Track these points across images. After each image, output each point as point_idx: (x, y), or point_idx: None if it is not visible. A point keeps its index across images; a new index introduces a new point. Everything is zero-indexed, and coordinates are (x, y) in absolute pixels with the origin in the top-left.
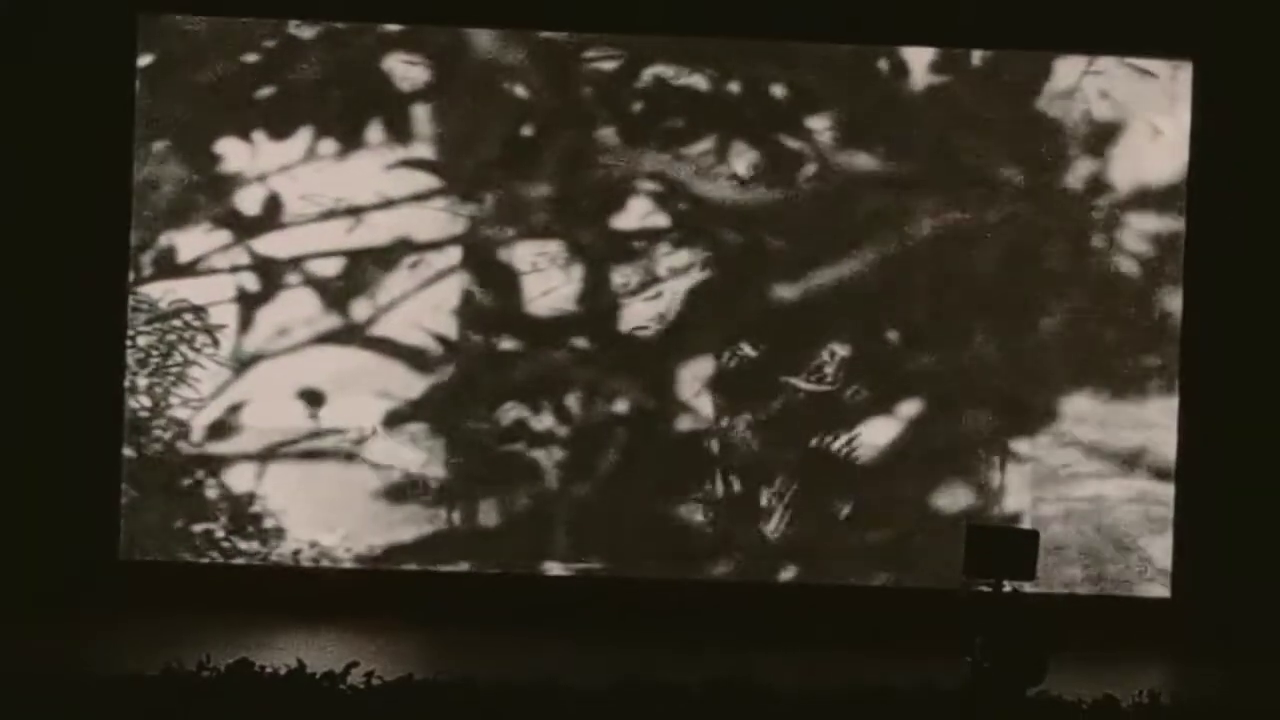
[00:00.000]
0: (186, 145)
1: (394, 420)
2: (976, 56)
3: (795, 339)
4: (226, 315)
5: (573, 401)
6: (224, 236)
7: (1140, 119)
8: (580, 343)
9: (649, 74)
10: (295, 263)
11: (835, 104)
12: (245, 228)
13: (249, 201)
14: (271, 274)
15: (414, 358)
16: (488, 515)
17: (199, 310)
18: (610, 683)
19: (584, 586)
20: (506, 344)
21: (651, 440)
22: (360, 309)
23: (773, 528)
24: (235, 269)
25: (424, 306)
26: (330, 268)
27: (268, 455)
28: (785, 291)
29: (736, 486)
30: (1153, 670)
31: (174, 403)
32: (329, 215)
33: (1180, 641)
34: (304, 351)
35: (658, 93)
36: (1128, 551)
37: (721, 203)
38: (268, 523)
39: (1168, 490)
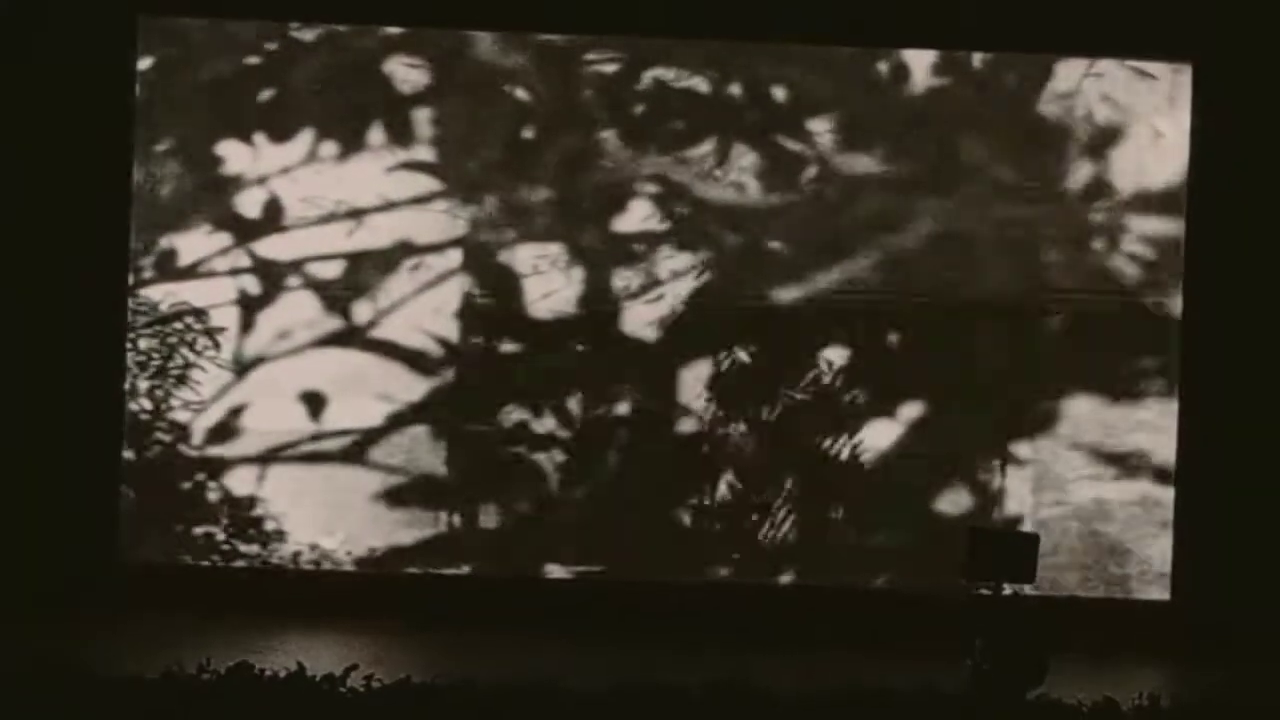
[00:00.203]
0: (187, 147)
1: (395, 423)
2: (977, 59)
3: (796, 341)
4: (227, 318)
5: (574, 404)
6: (224, 239)
7: (1141, 121)
8: (581, 345)
9: (649, 76)
10: (296, 265)
11: (836, 106)
12: (246, 230)
13: (249, 204)
14: (272, 277)
15: (415, 360)
16: (488, 518)
17: (200, 313)
18: (610, 685)
19: (584, 589)
20: (507, 346)
21: (652, 443)
22: (361, 311)
23: (773, 530)
24: (236, 272)
25: (425, 309)
26: (331, 270)
27: (268, 458)
28: (786, 294)
29: (737, 489)
30: (1153, 673)
31: (175, 405)
32: (330, 218)
33: (1180, 644)
34: (305, 354)
35: (658, 95)
36: (1128, 554)
37: (722, 205)
38: (268, 525)
39: (1168, 493)
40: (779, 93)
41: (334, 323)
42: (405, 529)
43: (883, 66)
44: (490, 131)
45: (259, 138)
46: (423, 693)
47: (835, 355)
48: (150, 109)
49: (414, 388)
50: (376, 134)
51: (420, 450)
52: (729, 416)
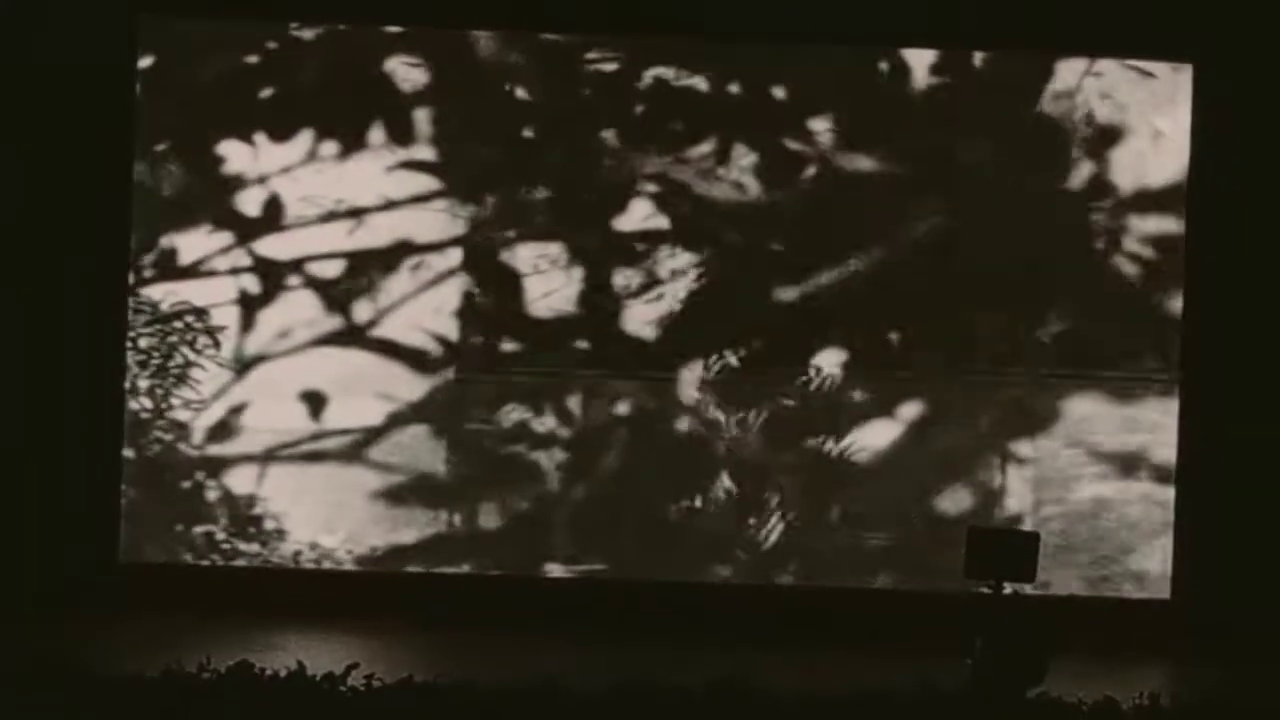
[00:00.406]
0: (187, 147)
1: (395, 422)
2: (978, 58)
3: (797, 340)
4: (227, 317)
5: (574, 403)
6: (225, 238)
7: (1141, 120)
8: (581, 344)
9: (650, 75)
10: (296, 264)
11: (836, 105)
12: (246, 229)
13: (250, 203)
14: (272, 276)
15: (415, 359)
16: (488, 517)
17: (200, 312)
18: (610, 684)
19: (584, 588)
20: (508, 345)
21: (652, 442)
22: (361, 311)
23: (773, 530)
24: (236, 271)
25: (425, 308)
26: (331, 269)
27: (269, 457)
28: (786, 293)
29: (737, 488)
30: (1153, 672)
31: (175, 404)
32: (330, 217)
33: (1180, 643)
34: (305, 353)
35: (659, 94)
36: (1128, 553)
37: (723, 204)
38: (268, 524)
39: (1168, 492)
40: (779, 92)
41: (334, 322)
42: (405, 528)
43: (883, 65)
44: (491, 130)
45: (259, 137)
46: (423, 692)
47: (835, 354)
48: (151, 108)
49: (414, 387)
50: (377, 133)
51: (420, 449)
52: (729, 415)
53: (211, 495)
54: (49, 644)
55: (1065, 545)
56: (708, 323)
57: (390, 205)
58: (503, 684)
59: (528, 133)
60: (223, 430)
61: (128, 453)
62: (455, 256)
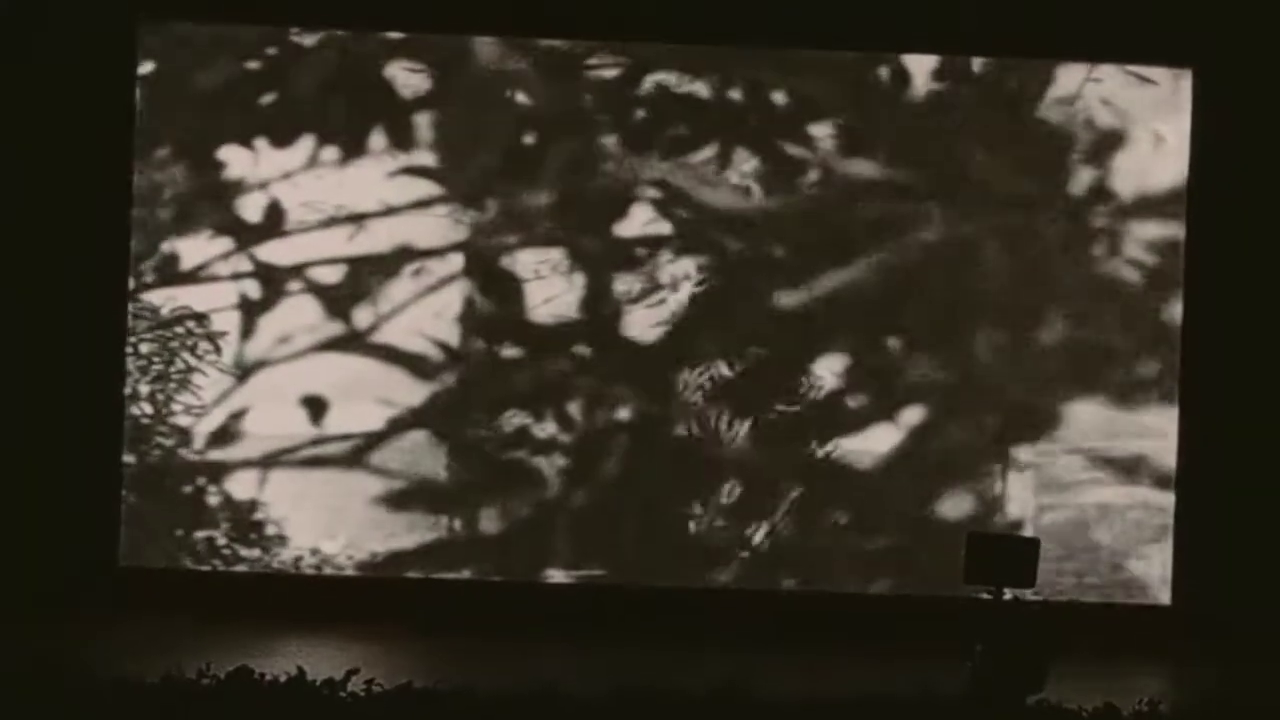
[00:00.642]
0: (188, 152)
1: (396, 427)
2: (978, 64)
3: (798, 346)
4: (228, 322)
5: (574, 409)
6: (226, 243)
7: (1141, 126)
8: (582, 350)
9: (651, 81)
10: (297, 270)
11: (837, 111)
12: (247, 235)
13: (251, 209)
14: (273, 281)
15: (416, 365)
16: (489, 523)
17: (201, 317)
18: (611, 690)
19: (585, 594)
20: (509, 351)
21: (653, 448)
22: (362, 316)
23: (774, 535)
24: (237, 276)
25: (426, 314)
26: (332, 275)
27: (269, 462)
28: (787, 299)
29: (738, 494)
30: (1153, 678)
31: (176, 409)
32: (331, 222)
33: (1181, 648)
34: (306, 359)
35: (660, 100)
36: (1128, 559)
37: (723, 210)
38: (269, 530)
39: (1168, 498)
40: (780, 97)
41: (335, 327)
42: (406, 533)
43: (884, 71)
44: (491, 136)
45: (260, 142)
46: (423, 697)
47: (836, 359)
48: (151, 114)
49: (415, 392)
50: (378, 139)
51: (421, 455)
52: (730, 421)
53: (212, 500)
54: (49, 648)
55: (1065, 551)
56: (709, 328)
57: (391, 211)
58: (503, 689)
59: (528, 138)
60: (223, 435)
61: (128, 458)
62: (456, 262)
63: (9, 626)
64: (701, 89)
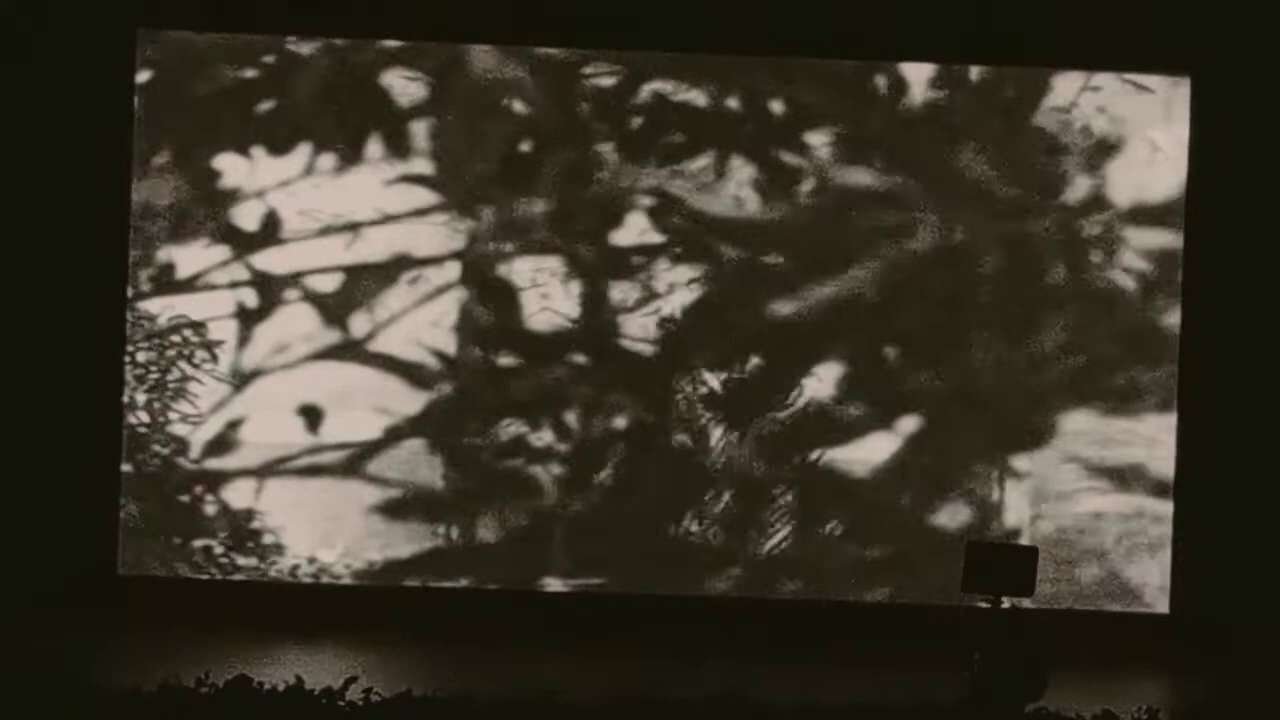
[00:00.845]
0: (185, 161)
1: (393, 436)
2: (975, 72)
3: (794, 354)
4: (225, 331)
5: (571, 417)
6: (223, 252)
7: (1138, 134)
8: (579, 358)
9: (647, 90)
10: (294, 278)
11: (834, 120)
12: (244, 243)
13: (248, 217)
14: (270, 290)
15: (413, 373)
16: (486, 531)
17: (198, 326)
18: (609, 698)
19: (583, 602)
20: (506, 360)
21: (650, 456)
22: (359, 324)
23: (772, 543)
24: (234, 284)
25: (423, 322)
26: (329, 283)
27: (266, 471)
28: (784, 307)
29: (735, 502)
30: (1151, 686)
31: (173, 418)
32: (328, 231)
33: (1179, 657)
34: (303, 367)
35: (656, 108)
36: (1126, 567)
37: (720, 218)
38: (266, 538)
39: (1166, 506)
40: (777, 106)
41: (332, 336)
42: (403, 542)
43: (880, 80)
44: (488, 145)
45: (257, 151)
46: (422, 706)
47: (833, 368)
48: (149, 122)
49: (412, 401)
50: (375, 147)
51: (418, 463)
52: (727, 429)
53: (210, 509)
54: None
55: (1064, 559)
56: (706, 336)
57: (388, 219)
58: (501, 698)
59: (525, 147)
60: (221, 444)
61: (126, 466)
62: (453, 270)
63: (7, 634)
64: (698, 97)
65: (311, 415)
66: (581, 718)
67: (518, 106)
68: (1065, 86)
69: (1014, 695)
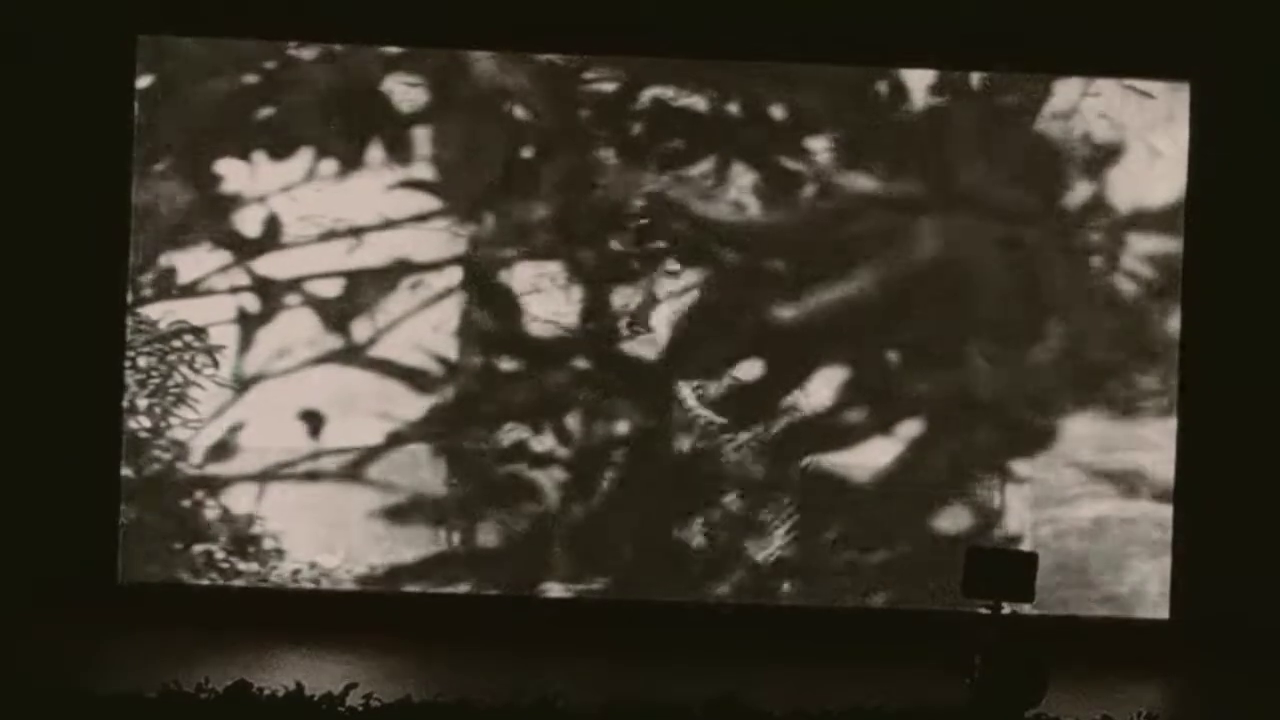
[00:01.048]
0: (186, 166)
1: (394, 441)
2: (976, 79)
3: (795, 359)
4: (226, 336)
5: (573, 422)
6: (224, 257)
7: (1139, 140)
8: (580, 363)
9: (648, 95)
10: (295, 283)
11: (834, 125)
12: (245, 248)
13: (249, 222)
14: (271, 295)
15: (414, 378)
16: (487, 536)
17: (199, 331)
18: (608, 703)
19: (584, 608)
20: (507, 364)
21: (651, 461)
22: (360, 329)
23: (772, 549)
24: (235, 290)
25: (424, 327)
26: (330, 288)
27: (267, 476)
28: (785, 312)
29: (736, 507)
30: (1151, 691)
31: (174, 423)
32: (329, 236)
33: (1178, 662)
34: (304, 372)
35: (657, 114)
36: (1126, 572)
37: (721, 224)
38: (267, 544)
39: (1166, 511)
40: (777, 112)
41: (333, 341)
42: (404, 547)
43: (881, 86)
44: (489, 150)
45: (258, 156)
46: (422, 711)
47: (835, 373)
48: (150, 127)
49: (413, 406)
50: (376, 152)
51: (419, 468)
52: (728, 435)
53: (210, 514)
54: (47, 662)
55: (1064, 564)
56: (706, 341)
57: (389, 224)
58: (501, 703)
59: (526, 152)
60: (221, 449)
61: (126, 471)
62: (454, 275)
63: (8, 638)
64: (699, 103)
65: (313, 420)
66: None
67: (519, 112)
68: (1066, 92)
69: (1014, 700)
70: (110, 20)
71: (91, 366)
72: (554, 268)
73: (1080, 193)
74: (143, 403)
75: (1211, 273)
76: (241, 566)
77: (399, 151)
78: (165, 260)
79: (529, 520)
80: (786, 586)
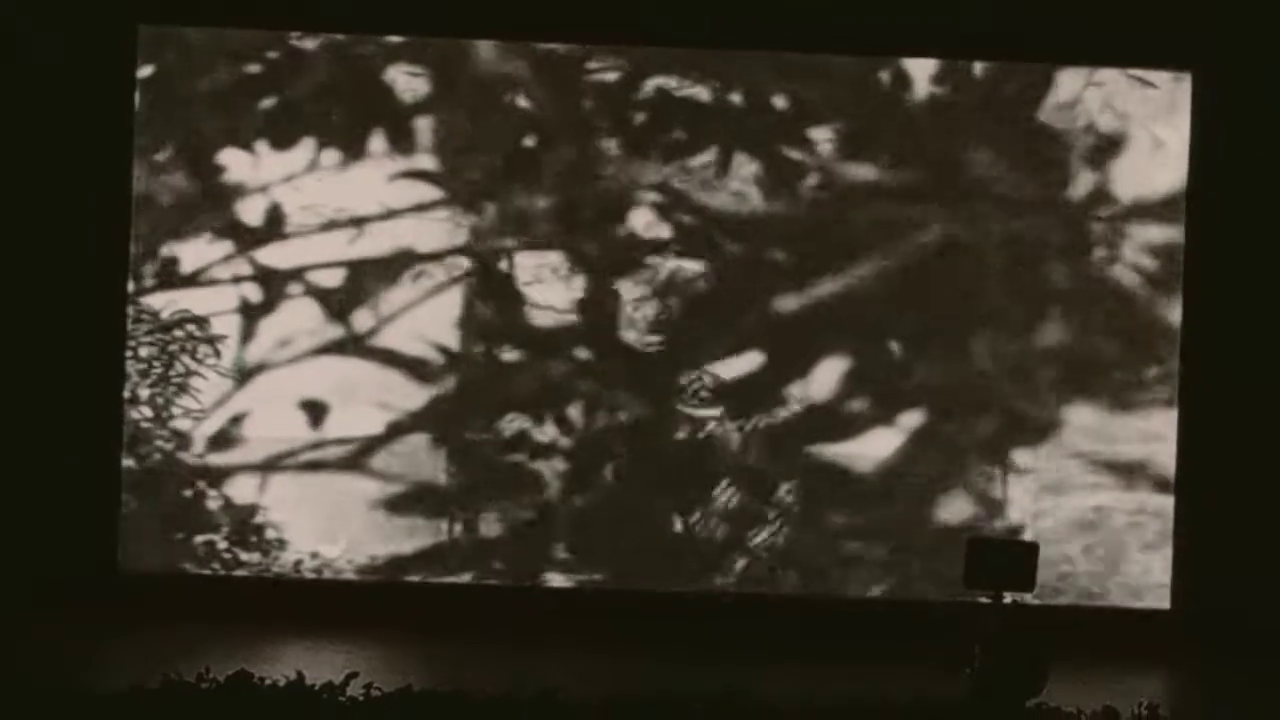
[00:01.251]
0: (188, 156)
1: (396, 431)
2: (978, 68)
3: (797, 349)
4: (228, 326)
5: (574, 413)
6: (226, 247)
7: (1142, 130)
8: (582, 353)
9: (651, 85)
10: (297, 273)
11: (837, 115)
12: (247, 238)
13: (251, 212)
14: (273, 284)
15: (416, 368)
16: (489, 526)
17: (200, 321)
18: (609, 695)
19: (585, 598)
20: (508, 355)
21: (653, 451)
22: (362, 319)
23: (773, 539)
24: (237, 279)
25: (426, 317)
26: (332, 278)
27: (269, 466)
28: (787, 302)
29: (737, 498)
30: (1152, 682)
31: (175, 413)
32: (331, 226)
33: (1180, 653)
34: (306, 362)
35: (660, 104)
36: (1127, 563)
37: (723, 214)
38: (269, 534)
39: (1167, 502)
40: (780, 101)
41: (335, 331)
42: (406, 537)
43: (884, 75)
44: (491, 140)
45: (260, 146)
46: (422, 701)
47: (837, 364)
48: (151, 117)
49: (415, 396)
50: (378, 142)
51: (421, 458)
52: (730, 425)
53: (212, 504)
54: (48, 653)
55: (1065, 555)
56: (708, 331)
57: (391, 214)
58: (502, 693)
59: (528, 142)
60: (223, 439)
61: (128, 461)
62: (456, 265)
63: (8, 630)
64: (702, 93)
65: (314, 410)
66: (582, 713)
67: (521, 102)
68: (1069, 82)
69: (1015, 691)
70: (112, 10)
71: (93, 356)
72: (555, 258)
73: (1082, 182)
74: (144, 393)
75: (1213, 263)
76: (243, 556)
77: (401, 141)
78: (167, 250)
79: (530, 510)
80: (788, 577)
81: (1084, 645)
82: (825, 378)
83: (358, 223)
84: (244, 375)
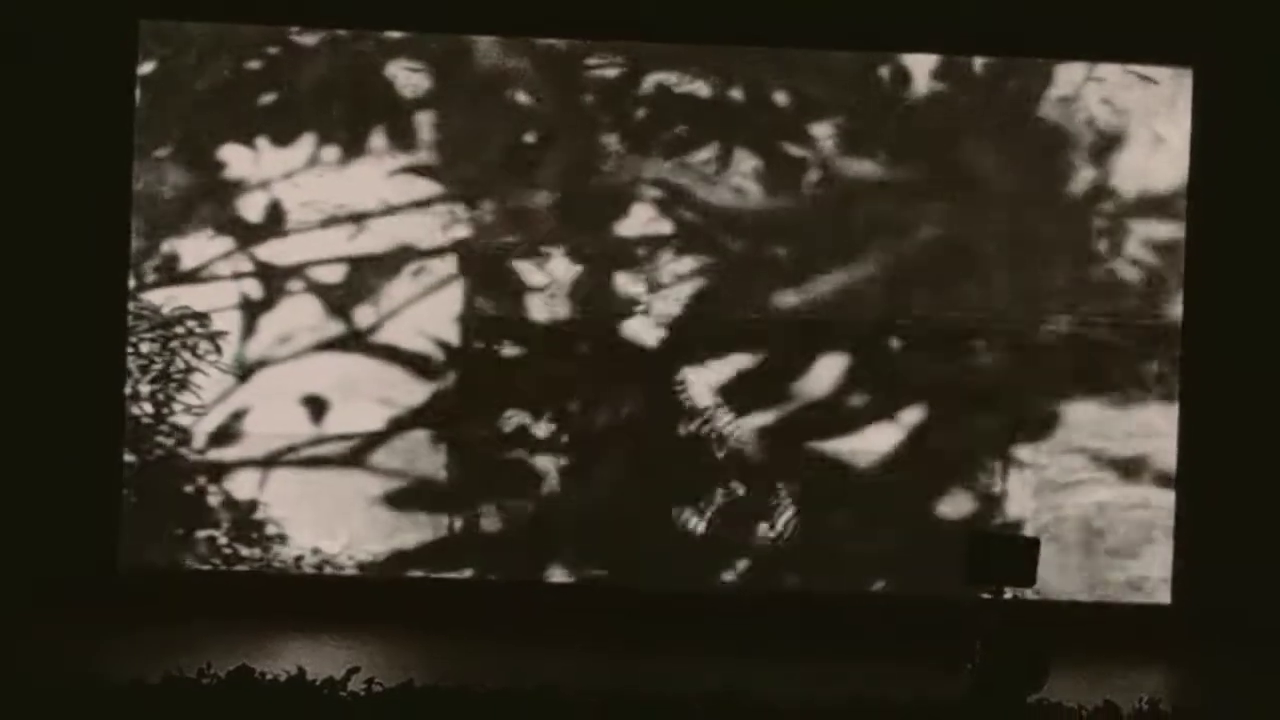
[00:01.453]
0: (188, 152)
1: (396, 427)
2: (979, 64)
3: (798, 346)
4: (229, 322)
5: (575, 409)
6: (226, 243)
7: (1142, 126)
8: (582, 349)
9: (651, 81)
10: (297, 269)
11: (837, 111)
12: (247, 234)
13: (251, 208)
14: (274, 280)
15: (416, 364)
16: (490, 522)
17: (201, 317)
18: (610, 691)
19: (586, 594)
20: (509, 351)
21: (654, 447)
22: (363, 315)
23: (775, 536)
24: (237, 275)
25: (426, 313)
26: (332, 274)
27: (270, 462)
28: (788, 299)
29: (738, 494)
30: (1153, 677)
31: (176, 409)
32: (331, 222)
33: (1181, 648)
34: (306, 358)
35: (660, 100)
36: (1128, 558)
37: (724, 210)
38: (270, 529)
39: (1168, 497)
40: (780, 97)
41: (335, 327)
42: (407, 533)
43: (884, 71)
44: (492, 136)
45: (261, 142)
46: (423, 696)
47: (837, 360)
48: (152, 113)
49: (415, 392)
50: (378, 138)
51: (422, 454)
52: (731, 421)
53: (213, 500)
54: (49, 649)
55: (1066, 550)
56: (709, 327)
57: (391, 210)
58: (503, 689)
59: (529, 138)
60: (224, 435)
61: (129, 457)
62: (456, 261)
63: (9, 626)
64: (702, 89)
65: (315, 406)
66: (583, 709)
67: (521, 98)
68: (1069, 77)
69: (1016, 686)
70: (112, 5)
71: (93, 353)
72: (556, 253)
73: (1083, 178)
74: (145, 389)
75: (1214, 258)
76: (244, 552)
77: (401, 137)
78: (167, 246)
79: (531, 506)
80: (789, 573)
81: (1085, 640)
82: (825, 373)
83: (358, 219)
84: (245, 371)
